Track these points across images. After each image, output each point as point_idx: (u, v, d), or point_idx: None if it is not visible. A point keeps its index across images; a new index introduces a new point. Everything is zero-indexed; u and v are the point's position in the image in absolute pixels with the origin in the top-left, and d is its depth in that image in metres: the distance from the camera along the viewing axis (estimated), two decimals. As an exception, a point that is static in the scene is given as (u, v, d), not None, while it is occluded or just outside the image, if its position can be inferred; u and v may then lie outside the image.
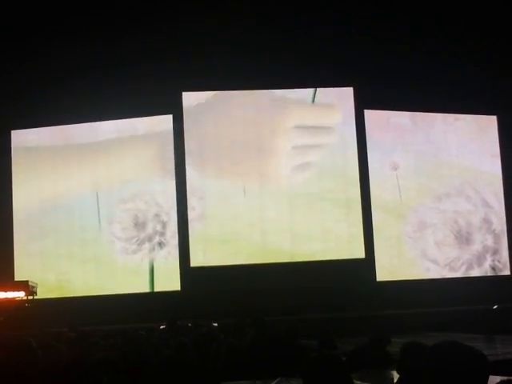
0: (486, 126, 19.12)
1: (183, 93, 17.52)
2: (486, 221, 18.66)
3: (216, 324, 10.58)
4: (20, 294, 14.30)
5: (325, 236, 17.37)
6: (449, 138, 18.71)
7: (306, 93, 17.93)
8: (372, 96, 17.57)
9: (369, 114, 18.06)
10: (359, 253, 17.41)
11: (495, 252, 18.58)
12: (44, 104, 16.91)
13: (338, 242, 17.42)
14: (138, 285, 17.12)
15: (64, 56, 16.27)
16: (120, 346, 6.60)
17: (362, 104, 17.86)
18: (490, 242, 18.57)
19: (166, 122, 17.62)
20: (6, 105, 17.04)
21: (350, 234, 17.50)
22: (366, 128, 17.99)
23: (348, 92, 17.98)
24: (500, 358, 7.91)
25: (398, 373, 4.61)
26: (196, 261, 17.00)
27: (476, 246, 18.44)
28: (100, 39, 16.20)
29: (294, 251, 17.24)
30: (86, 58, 16.47)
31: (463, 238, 18.37)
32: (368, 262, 17.40)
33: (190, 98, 17.66)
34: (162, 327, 10.72)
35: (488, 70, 17.36)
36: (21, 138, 18.03)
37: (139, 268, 17.28)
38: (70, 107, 16.90)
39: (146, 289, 17.08)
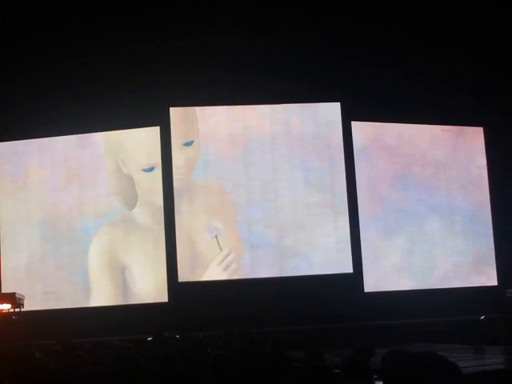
0: (473, 137, 19.21)
1: (170, 108, 17.50)
2: (473, 232, 18.72)
3: (201, 335, 10.57)
4: (7, 307, 14.21)
5: (313, 251, 17.40)
6: (436, 151, 18.77)
7: (292, 108, 17.97)
8: (359, 109, 17.65)
9: (356, 125, 18.10)
10: (347, 267, 17.41)
11: (482, 263, 18.63)
12: (31, 116, 16.85)
13: (326, 257, 17.42)
14: (125, 296, 17.08)
15: (50, 68, 16.27)
16: (107, 359, 6.58)
17: (349, 116, 17.91)
18: (476, 252, 18.62)
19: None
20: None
21: (338, 248, 17.51)
22: (354, 140, 18.02)
23: (335, 107, 18.02)
24: (487, 368, 7.92)
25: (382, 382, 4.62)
26: (184, 276, 16.94)
27: (463, 258, 18.49)
28: (87, 52, 16.21)
29: (282, 266, 17.25)
30: (72, 71, 16.45)
31: (449, 249, 18.42)
32: (356, 275, 17.40)
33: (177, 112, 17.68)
34: (149, 339, 10.70)
35: (474, 81, 17.48)
36: (7, 150, 17.97)
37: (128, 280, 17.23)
38: (56, 119, 16.84)
39: (133, 300, 17.01)
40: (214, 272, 16.96)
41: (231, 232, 17.30)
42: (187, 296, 16.35)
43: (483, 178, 19.00)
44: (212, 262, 17.01)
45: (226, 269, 17.04)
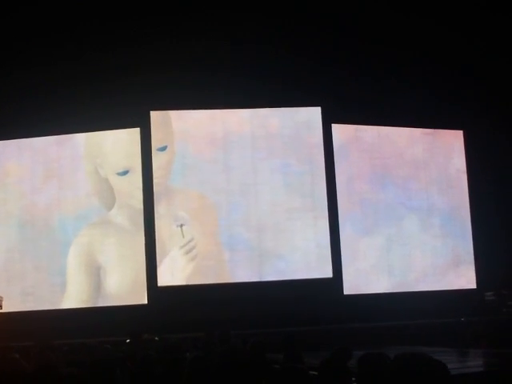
0: (453, 141, 19.30)
1: (151, 112, 17.46)
2: (453, 235, 18.80)
3: (180, 337, 10.54)
4: (-16, 308, 14.14)
5: (292, 255, 17.41)
6: (416, 153, 18.85)
7: (273, 112, 17.97)
8: (339, 113, 17.73)
9: (336, 128, 18.13)
10: (327, 272, 17.43)
11: (461, 265, 18.71)
12: (11, 117, 16.77)
13: (306, 261, 17.43)
14: (104, 298, 17.03)
15: (32, 69, 16.19)
16: (85, 361, 6.54)
17: (330, 119, 17.95)
18: (456, 255, 18.71)
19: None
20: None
21: (317, 253, 17.53)
22: (334, 143, 18.05)
23: (316, 111, 18.03)
24: (467, 370, 7.95)
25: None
26: (163, 280, 16.90)
27: (442, 260, 18.56)
28: (70, 54, 16.15)
29: (262, 270, 17.26)
30: (55, 73, 16.38)
31: (428, 251, 18.49)
32: (335, 279, 17.43)
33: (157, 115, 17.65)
34: (128, 341, 10.66)
35: (454, 85, 17.58)
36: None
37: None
38: (36, 120, 16.78)
39: (112, 303, 16.94)
40: (175, 256, 16.98)
41: (211, 236, 17.28)
42: (167, 300, 16.30)
43: (462, 181, 19.08)
44: (174, 247, 17.03)
45: (187, 253, 17.04)
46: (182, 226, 17.05)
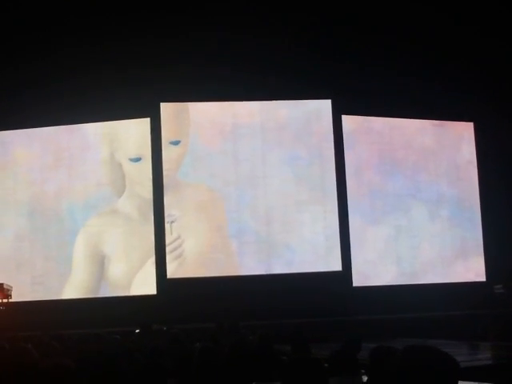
0: (463, 133, 19.23)
1: (161, 103, 17.46)
2: (462, 226, 18.75)
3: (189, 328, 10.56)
4: (-6, 297, 14.19)
5: (301, 247, 17.40)
6: (426, 144, 18.79)
7: (283, 104, 17.94)
8: (350, 104, 17.70)
9: (345, 118, 18.08)
10: (336, 265, 17.41)
11: (470, 258, 18.66)
12: (22, 106, 16.79)
13: (315, 254, 17.42)
14: (113, 288, 17.09)
15: (41, 59, 16.20)
16: (93, 350, 6.55)
17: (340, 111, 17.90)
18: (466, 247, 18.67)
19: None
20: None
21: (327, 246, 17.52)
22: (344, 134, 18.00)
23: (326, 103, 18.00)
24: (475, 363, 7.94)
25: (369, 377, 4.61)
26: (172, 272, 16.93)
27: (451, 251, 18.52)
28: (82, 43, 16.15)
29: (271, 263, 17.26)
30: (65, 62, 16.38)
31: (438, 243, 18.45)
32: (345, 271, 17.41)
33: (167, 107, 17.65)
34: (137, 331, 10.68)
35: (465, 77, 17.50)
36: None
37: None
38: (47, 110, 16.80)
39: (120, 293, 16.98)
40: None
41: (219, 229, 17.28)
42: (175, 291, 16.31)
43: (472, 173, 19.02)
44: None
45: (171, 251, 17.05)
46: (172, 222, 17.07)
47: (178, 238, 17.07)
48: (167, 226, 17.04)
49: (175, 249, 17.04)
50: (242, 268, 17.21)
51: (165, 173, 17.16)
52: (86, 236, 17.34)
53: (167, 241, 17.02)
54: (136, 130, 17.59)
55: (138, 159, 17.40)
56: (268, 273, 17.09)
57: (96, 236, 17.29)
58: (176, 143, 17.39)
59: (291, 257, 17.29)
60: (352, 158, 18.03)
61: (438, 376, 2.54)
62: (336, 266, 17.37)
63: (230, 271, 17.10)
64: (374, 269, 17.84)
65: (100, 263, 17.15)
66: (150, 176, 17.26)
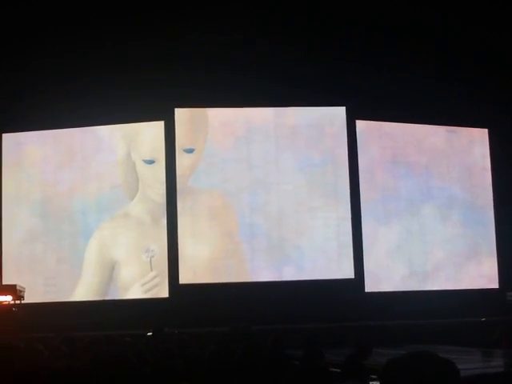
0: (478, 139, 19.16)
1: (176, 109, 17.48)
2: (476, 233, 18.67)
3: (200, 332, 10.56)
4: (7, 298, 14.20)
5: (314, 254, 17.37)
6: (440, 150, 18.73)
7: (296, 110, 17.93)
8: (364, 111, 17.69)
9: (360, 125, 18.05)
10: (348, 272, 17.37)
11: (484, 264, 18.59)
12: (37, 108, 16.84)
13: (328, 261, 17.38)
14: (124, 291, 17.12)
15: (57, 60, 16.28)
16: (104, 352, 6.56)
17: (354, 116, 17.88)
18: (479, 254, 18.58)
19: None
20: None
21: (339, 253, 17.48)
22: (358, 140, 17.96)
23: (340, 110, 17.96)
24: (488, 371, 7.91)
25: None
26: (185, 278, 16.94)
27: (465, 258, 18.45)
28: (97, 45, 16.21)
29: (283, 269, 17.24)
30: (81, 63, 16.45)
31: (449, 248, 18.37)
32: (357, 277, 17.37)
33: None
34: (149, 334, 10.69)
35: (481, 83, 17.44)
36: (12, 142, 17.97)
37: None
38: (62, 112, 16.87)
39: (134, 295, 17.01)
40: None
41: (232, 235, 17.29)
42: (188, 296, 16.31)
43: (487, 179, 18.93)
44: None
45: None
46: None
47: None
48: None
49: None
50: (253, 274, 17.19)
51: (178, 179, 17.18)
52: (98, 238, 17.37)
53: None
54: (151, 132, 17.63)
55: (151, 161, 17.42)
56: (281, 279, 17.07)
57: (108, 239, 17.33)
58: (190, 151, 17.40)
59: (303, 263, 17.26)
60: (365, 163, 17.98)
61: (437, 382, 2.53)
62: (348, 272, 17.32)
63: (242, 277, 17.09)
64: (386, 273, 17.80)
65: (111, 266, 17.18)
66: (163, 180, 17.28)
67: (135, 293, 17.02)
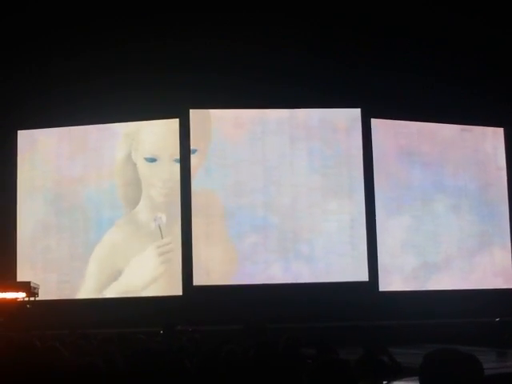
0: (493, 138, 19.07)
1: (190, 110, 17.51)
2: (491, 233, 18.58)
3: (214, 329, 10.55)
4: (21, 295, 14.24)
5: (328, 256, 17.33)
6: (455, 149, 18.65)
7: (311, 112, 17.88)
8: (379, 111, 17.70)
9: (375, 123, 17.99)
10: (363, 275, 17.35)
11: (499, 265, 18.50)
12: (51, 105, 16.93)
13: (342, 264, 17.34)
14: (140, 289, 17.14)
15: (72, 59, 16.33)
16: (118, 350, 6.56)
17: (369, 115, 17.85)
18: (494, 254, 18.50)
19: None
20: (13, 105, 17.08)
21: (353, 256, 17.45)
22: (373, 138, 17.92)
23: (355, 112, 17.92)
24: (502, 371, 7.85)
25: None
26: (199, 280, 16.95)
27: (480, 258, 18.36)
28: (113, 44, 16.27)
29: (298, 272, 17.20)
30: (96, 62, 16.50)
31: (467, 250, 18.29)
32: (371, 282, 17.34)
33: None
34: (161, 332, 10.67)
35: (496, 81, 17.37)
36: (27, 138, 18.02)
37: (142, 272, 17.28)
38: (77, 109, 16.92)
39: (147, 293, 17.04)
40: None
41: (246, 237, 17.30)
42: (202, 298, 16.30)
43: (502, 179, 18.84)
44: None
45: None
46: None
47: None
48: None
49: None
50: (267, 276, 17.16)
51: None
52: (110, 237, 17.41)
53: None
54: (158, 130, 17.67)
55: (153, 159, 17.44)
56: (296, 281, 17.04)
57: (120, 239, 17.38)
58: (192, 152, 17.41)
59: (317, 265, 17.25)
60: (380, 161, 17.93)
61: (462, 376, 2.52)
62: (363, 275, 17.28)
63: (256, 279, 17.06)
64: (401, 274, 17.75)
65: (121, 267, 17.24)
66: (164, 177, 17.35)
67: (150, 258, 17.16)
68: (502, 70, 17.26)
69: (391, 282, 17.61)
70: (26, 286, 14.32)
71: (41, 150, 17.95)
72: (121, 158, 17.62)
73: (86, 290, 17.31)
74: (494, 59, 17.01)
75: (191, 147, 17.42)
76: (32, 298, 14.45)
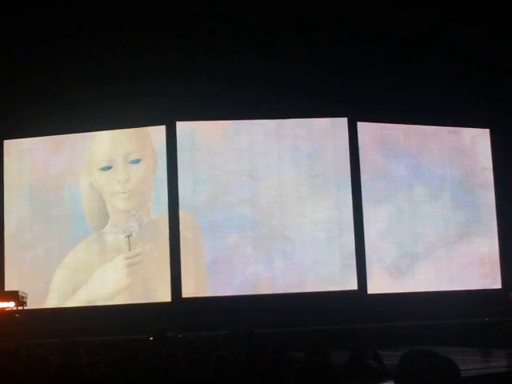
0: (479, 139, 19.14)
1: (177, 122, 17.54)
2: (478, 234, 18.66)
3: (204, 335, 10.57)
4: (10, 305, 14.20)
5: (317, 266, 17.38)
6: (441, 151, 18.71)
7: (298, 122, 17.95)
8: (366, 114, 17.72)
9: (361, 127, 18.06)
10: (352, 284, 17.41)
11: (487, 266, 18.57)
12: (38, 114, 16.91)
13: (331, 273, 17.39)
14: (129, 296, 17.12)
15: (59, 70, 16.35)
16: (108, 356, 6.58)
17: (355, 119, 17.92)
18: (481, 255, 18.57)
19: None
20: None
21: (342, 265, 17.50)
22: (360, 149, 17.98)
23: (342, 122, 18.00)
24: (490, 371, 7.90)
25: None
26: (187, 292, 16.97)
27: (468, 259, 18.43)
28: (99, 55, 16.30)
29: (287, 282, 17.25)
30: (82, 73, 16.53)
31: (454, 251, 18.36)
32: (360, 291, 17.41)
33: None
34: (151, 338, 10.69)
35: (482, 83, 17.47)
36: (13, 148, 17.99)
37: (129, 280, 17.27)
38: (62, 118, 16.92)
39: (136, 300, 17.02)
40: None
41: (235, 248, 17.29)
42: (191, 308, 16.31)
43: (489, 179, 18.91)
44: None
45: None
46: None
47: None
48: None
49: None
50: (258, 287, 17.20)
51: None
52: (98, 246, 17.41)
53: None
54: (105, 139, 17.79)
55: (137, 161, 17.48)
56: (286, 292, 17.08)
57: (109, 246, 17.38)
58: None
59: (307, 275, 17.27)
60: (368, 172, 18.00)
61: (437, 379, 2.55)
62: (352, 283, 17.37)
63: (246, 290, 17.10)
64: (388, 276, 17.81)
65: (112, 275, 17.26)
66: (121, 179, 17.45)
67: (117, 267, 17.14)
68: (487, 71, 17.33)
69: (380, 284, 17.64)
70: (15, 296, 14.29)
71: (27, 158, 17.90)
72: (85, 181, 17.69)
73: (52, 300, 17.28)
74: (479, 61, 17.08)
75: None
76: (20, 308, 14.41)
